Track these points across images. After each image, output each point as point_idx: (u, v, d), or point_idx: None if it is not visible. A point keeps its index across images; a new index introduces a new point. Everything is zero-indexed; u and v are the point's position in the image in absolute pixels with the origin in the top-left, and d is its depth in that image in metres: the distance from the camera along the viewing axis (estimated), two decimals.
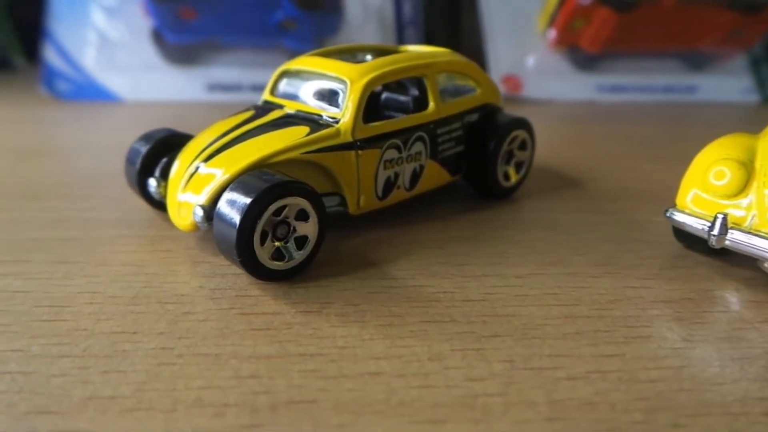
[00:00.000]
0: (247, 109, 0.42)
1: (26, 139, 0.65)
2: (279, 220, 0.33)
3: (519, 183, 0.48)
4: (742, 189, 0.34)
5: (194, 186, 0.36)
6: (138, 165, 0.41)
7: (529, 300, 0.33)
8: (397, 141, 0.40)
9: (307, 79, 0.41)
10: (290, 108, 0.41)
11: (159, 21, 0.80)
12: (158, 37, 0.82)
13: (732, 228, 0.33)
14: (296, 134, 0.37)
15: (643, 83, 0.84)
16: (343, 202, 0.39)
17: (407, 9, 0.88)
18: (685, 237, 0.38)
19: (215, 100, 0.80)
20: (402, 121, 0.40)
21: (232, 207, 0.32)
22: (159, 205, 0.42)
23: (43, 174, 0.53)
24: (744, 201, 0.34)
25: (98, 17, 0.82)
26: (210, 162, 0.36)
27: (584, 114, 0.77)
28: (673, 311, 0.32)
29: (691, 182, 0.36)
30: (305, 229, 0.34)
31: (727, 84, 0.84)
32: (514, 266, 0.36)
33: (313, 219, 0.34)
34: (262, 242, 0.32)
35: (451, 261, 0.37)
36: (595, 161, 0.57)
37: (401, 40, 0.87)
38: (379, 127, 0.39)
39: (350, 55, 0.45)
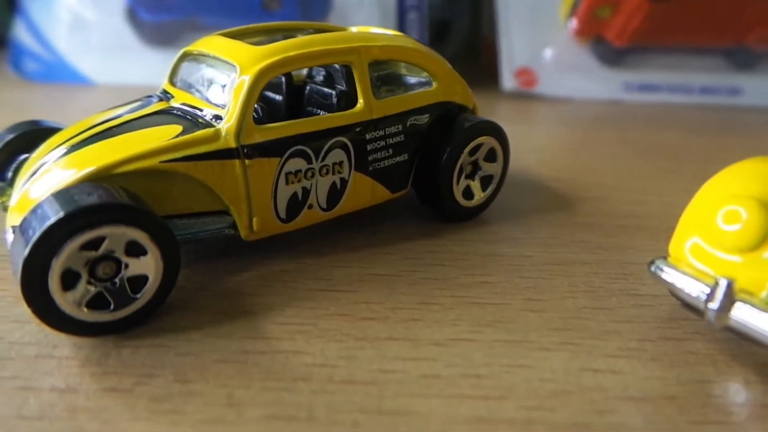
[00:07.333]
0: (137, 99, 0.34)
1: None
2: (99, 256, 0.24)
3: (486, 203, 0.38)
4: (763, 240, 0.23)
5: (22, 202, 0.27)
6: None
7: (437, 386, 0.23)
8: (305, 148, 0.30)
9: (203, 65, 0.32)
10: (178, 100, 0.32)
11: None
12: (132, 15, 0.75)
13: (741, 300, 0.23)
14: (163, 135, 0.28)
15: (678, 82, 0.74)
16: (233, 224, 0.30)
17: None
18: None
19: None
20: (312, 122, 0.31)
21: (22, 239, 0.23)
22: None
23: None
24: (765, 257, 0.23)
25: None
26: (54, 165, 0.28)
27: (605, 116, 0.66)
28: (644, 420, 0.22)
29: (691, 224, 0.26)
30: (142, 267, 0.25)
31: None
32: (437, 325, 0.27)
33: (154, 253, 0.25)
34: (69, 285, 0.24)
35: (354, 313, 0.27)
36: (602, 176, 0.46)
37: (402, 25, 0.77)
38: (277, 129, 0.30)
39: (269, 36, 0.36)
